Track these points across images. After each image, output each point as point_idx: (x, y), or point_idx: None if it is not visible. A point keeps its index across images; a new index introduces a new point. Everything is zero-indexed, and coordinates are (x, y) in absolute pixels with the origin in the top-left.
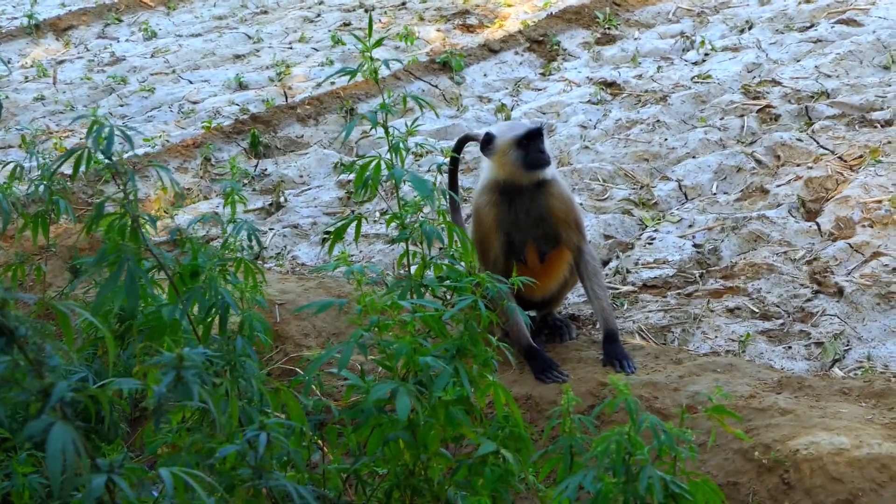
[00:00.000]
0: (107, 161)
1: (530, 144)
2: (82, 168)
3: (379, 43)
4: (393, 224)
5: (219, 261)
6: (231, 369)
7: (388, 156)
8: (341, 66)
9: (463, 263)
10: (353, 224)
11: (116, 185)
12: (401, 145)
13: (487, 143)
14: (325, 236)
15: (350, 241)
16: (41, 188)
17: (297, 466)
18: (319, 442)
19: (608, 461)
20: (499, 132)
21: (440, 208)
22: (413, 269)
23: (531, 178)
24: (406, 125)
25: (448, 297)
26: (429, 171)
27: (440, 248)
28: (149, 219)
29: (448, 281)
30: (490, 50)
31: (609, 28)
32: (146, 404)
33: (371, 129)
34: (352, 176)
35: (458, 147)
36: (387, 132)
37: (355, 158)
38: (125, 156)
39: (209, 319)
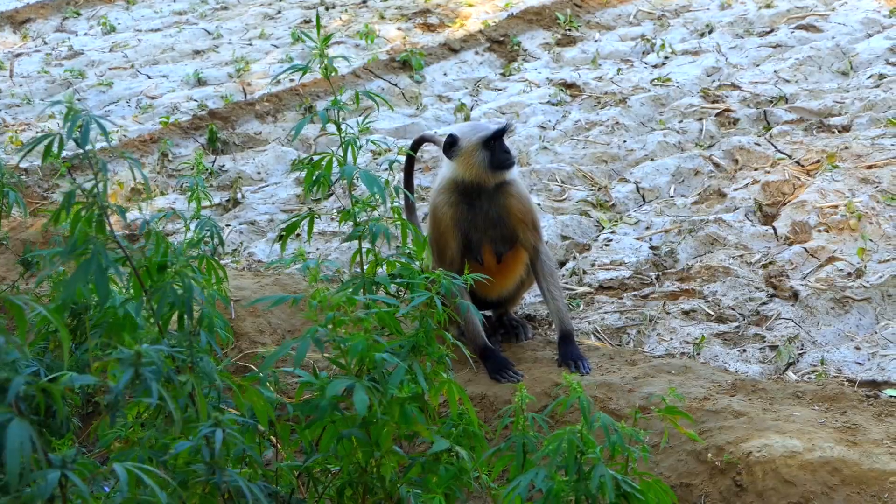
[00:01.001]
0: (78, 150)
1: (496, 145)
2: (35, 161)
3: (327, 40)
4: (348, 222)
5: (185, 257)
6: (194, 365)
7: (343, 154)
8: (301, 64)
9: (418, 262)
10: (307, 221)
11: (73, 178)
12: (354, 142)
13: (451, 144)
14: (281, 233)
15: (306, 238)
16: None
17: (252, 463)
18: (273, 439)
19: (560, 460)
20: (462, 133)
21: (395, 206)
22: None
23: (497, 179)
24: (358, 122)
25: (402, 294)
26: (386, 169)
27: (397, 247)
28: (118, 210)
29: (401, 278)
30: (451, 49)
31: (570, 29)
32: (100, 399)
33: (324, 127)
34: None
35: (415, 147)
36: (339, 129)
37: (309, 156)
38: (80, 150)
39: (169, 314)
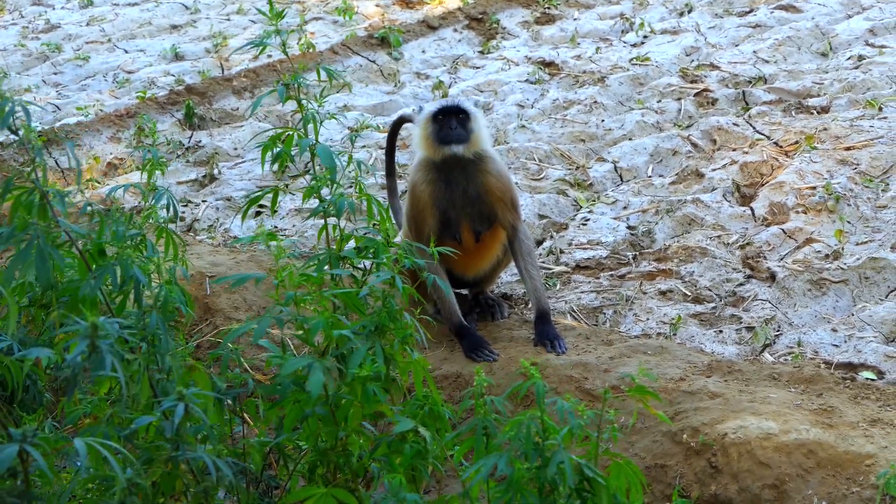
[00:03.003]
0: (12, 136)
1: (445, 120)
2: (7, 133)
3: (280, 15)
4: (312, 199)
5: (129, 233)
6: (149, 344)
7: (303, 129)
8: (259, 41)
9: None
10: (276, 196)
11: (48, 153)
12: (314, 117)
13: (417, 117)
14: (259, 209)
15: (283, 215)
16: None
17: (213, 440)
18: (244, 416)
19: (520, 446)
20: (426, 107)
21: (359, 180)
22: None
23: (441, 153)
24: (317, 97)
25: (368, 268)
26: (364, 146)
27: (374, 225)
28: (57, 195)
29: (366, 253)
30: (429, 26)
31: (549, 8)
32: (60, 373)
33: (284, 102)
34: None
35: (395, 128)
36: (300, 105)
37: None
38: (57, 125)
39: (123, 295)
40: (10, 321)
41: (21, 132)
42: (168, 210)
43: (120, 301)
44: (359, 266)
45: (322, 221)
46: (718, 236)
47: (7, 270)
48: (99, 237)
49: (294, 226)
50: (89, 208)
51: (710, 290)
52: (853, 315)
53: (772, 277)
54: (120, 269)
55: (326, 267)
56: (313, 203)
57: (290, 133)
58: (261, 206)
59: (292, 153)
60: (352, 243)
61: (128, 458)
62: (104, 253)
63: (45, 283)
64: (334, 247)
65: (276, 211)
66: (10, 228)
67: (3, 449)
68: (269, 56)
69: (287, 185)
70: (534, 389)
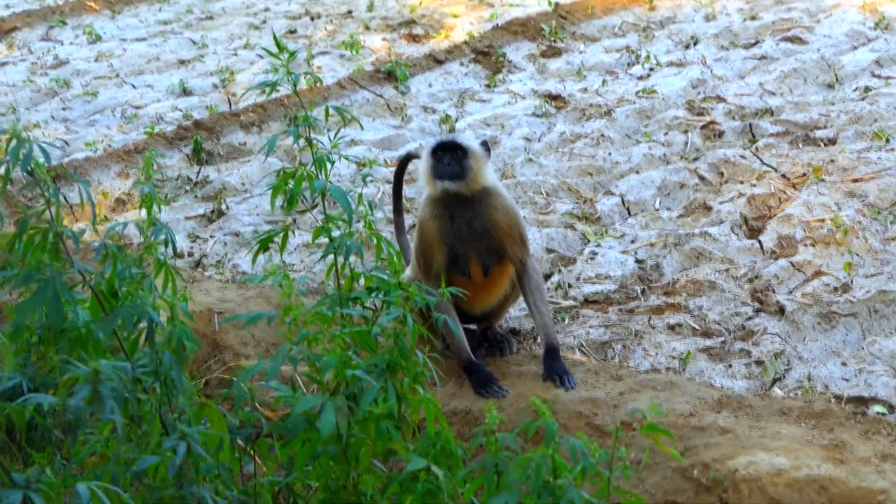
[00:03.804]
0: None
1: (442, 156)
2: (19, 171)
3: (293, 55)
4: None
5: (136, 272)
6: (162, 384)
7: (315, 169)
8: (270, 81)
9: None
10: (285, 236)
11: (58, 189)
12: (325, 159)
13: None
14: (258, 247)
15: (291, 251)
16: None
17: (224, 479)
18: (252, 454)
19: (531, 484)
20: (426, 143)
21: (369, 220)
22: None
23: (436, 189)
24: (329, 138)
25: (378, 308)
26: (370, 180)
27: (384, 260)
28: (72, 235)
29: (377, 293)
30: (435, 60)
31: (555, 41)
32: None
33: (297, 141)
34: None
35: (401, 165)
36: (311, 144)
37: (281, 169)
38: (66, 160)
39: (136, 335)
40: (7, 361)
41: (36, 173)
42: (166, 245)
43: (133, 340)
44: (368, 306)
45: (331, 259)
46: (727, 270)
47: (20, 312)
48: (112, 278)
49: (302, 261)
50: (104, 248)
51: (718, 324)
52: (863, 349)
53: (781, 311)
54: (134, 309)
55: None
56: (312, 241)
57: (301, 172)
58: (258, 243)
59: (304, 193)
60: (362, 281)
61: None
62: (116, 294)
63: (57, 325)
64: (343, 284)
65: (284, 250)
66: (26, 270)
67: (7, 496)
68: (277, 91)
69: (294, 221)
70: (544, 427)
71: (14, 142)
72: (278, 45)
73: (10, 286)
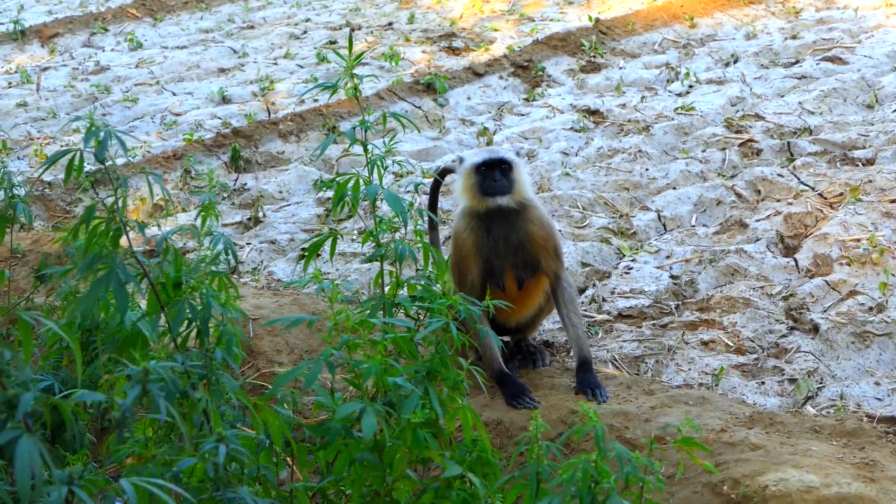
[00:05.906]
0: (100, 165)
1: (488, 172)
2: (59, 174)
3: (359, 58)
4: (369, 242)
5: (201, 273)
6: (209, 382)
7: (368, 174)
8: (329, 83)
9: (438, 284)
10: (329, 241)
11: (95, 193)
12: (381, 162)
13: (458, 167)
14: (303, 252)
15: (326, 259)
16: None
17: (264, 482)
18: (288, 459)
19: (574, 489)
20: (467, 157)
21: (417, 228)
22: (388, 288)
23: (485, 204)
24: (384, 143)
25: (421, 317)
26: (408, 191)
27: (417, 270)
28: (137, 225)
29: (421, 301)
30: (475, 73)
31: (594, 56)
32: (112, 416)
33: (349, 147)
34: (331, 193)
35: (437, 181)
36: (365, 149)
37: (334, 176)
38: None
39: (188, 331)
40: (77, 365)
41: (108, 161)
42: (227, 255)
43: (184, 335)
44: (411, 315)
45: (373, 266)
46: (762, 287)
47: (85, 300)
48: (178, 269)
49: (337, 269)
50: (165, 243)
51: (752, 341)
52: None
53: (815, 329)
54: (195, 303)
55: (381, 313)
56: (357, 246)
57: (356, 178)
58: (303, 250)
59: (360, 198)
60: (405, 289)
61: (179, 495)
62: (179, 285)
63: (122, 312)
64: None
65: (334, 257)
66: (90, 257)
67: (52, 492)
68: (315, 101)
69: (332, 229)
70: (592, 433)
71: (91, 129)
72: (350, 47)
73: (72, 275)
